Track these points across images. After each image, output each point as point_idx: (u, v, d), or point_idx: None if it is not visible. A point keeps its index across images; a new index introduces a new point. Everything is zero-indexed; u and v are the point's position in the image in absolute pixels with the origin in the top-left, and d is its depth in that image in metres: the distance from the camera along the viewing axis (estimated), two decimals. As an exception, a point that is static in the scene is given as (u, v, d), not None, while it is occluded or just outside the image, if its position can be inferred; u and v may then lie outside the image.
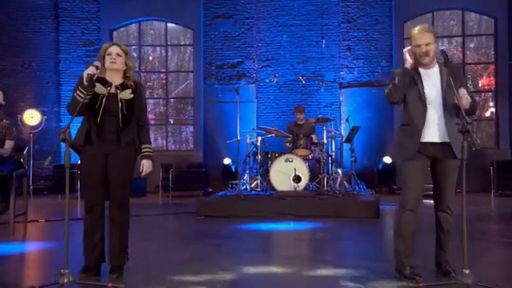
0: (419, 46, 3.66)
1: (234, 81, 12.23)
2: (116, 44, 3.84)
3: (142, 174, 3.86)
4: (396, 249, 3.79)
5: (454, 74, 3.68)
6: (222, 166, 11.72)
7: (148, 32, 13.10)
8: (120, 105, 3.71)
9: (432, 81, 3.71)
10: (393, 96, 3.75)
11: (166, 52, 12.98)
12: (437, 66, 3.77)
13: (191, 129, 12.90)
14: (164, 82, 13.05)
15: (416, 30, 3.75)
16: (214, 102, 12.40)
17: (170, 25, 12.90)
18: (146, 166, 3.84)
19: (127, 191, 3.80)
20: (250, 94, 12.07)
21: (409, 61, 3.71)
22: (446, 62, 3.57)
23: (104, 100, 3.68)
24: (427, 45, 3.65)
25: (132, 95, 3.77)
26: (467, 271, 3.19)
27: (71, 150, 3.22)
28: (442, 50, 3.59)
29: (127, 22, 12.86)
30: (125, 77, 3.82)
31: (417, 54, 3.70)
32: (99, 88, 3.70)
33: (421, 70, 3.76)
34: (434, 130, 3.72)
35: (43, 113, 12.04)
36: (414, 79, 3.73)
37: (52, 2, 12.58)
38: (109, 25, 12.64)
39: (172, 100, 13.14)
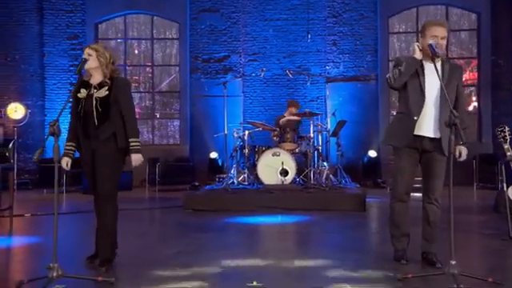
0: (436, 36, 3.73)
1: (221, 75, 12.21)
2: (87, 46, 3.99)
3: (133, 166, 3.94)
4: (390, 234, 4.14)
5: (454, 73, 3.78)
6: (208, 160, 11.73)
7: (134, 25, 13.00)
8: (94, 102, 3.83)
9: (434, 75, 3.70)
10: (395, 82, 3.82)
11: (152, 45, 12.90)
12: (440, 62, 3.83)
13: (177, 123, 12.87)
14: (150, 75, 12.98)
15: (435, 21, 3.86)
16: (200, 96, 12.37)
17: (155, 18, 12.82)
18: (133, 159, 3.91)
19: (110, 185, 3.88)
20: (236, 88, 12.07)
21: (418, 52, 3.76)
22: (433, 57, 3.63)
23: (83, 102, 3.86)
24: (442, 38, 3.74)
25: (107, 92, 3.87)
26: (454, 262, 3.26)
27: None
28: (430, 45, 3.65)
29: (112, 16, 12.73)
30: (103, 74, 3.92)
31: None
32: (82, 92, 3.89)
33: (425, 63, 3.82)
34: (428, 124, 3.81)
35: (27, 106, 11.90)
36: (416, 70, 3.79)
37: (36, -5, 12.41)
38: (94, 18, 12.51)
39: (158, 94, 13.08)
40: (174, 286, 3.48)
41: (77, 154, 3.96)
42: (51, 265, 3.27)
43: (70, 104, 3.95)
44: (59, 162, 3.48)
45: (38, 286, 3.33)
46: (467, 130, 3.92)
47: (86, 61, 3.76)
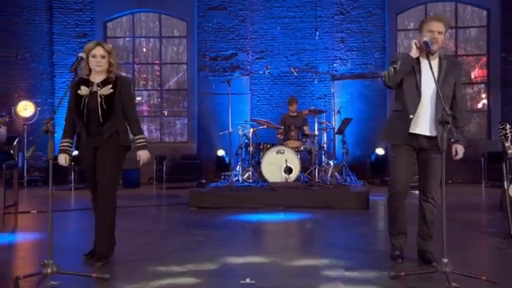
0: (432, 31, 3.72)
1: (228, 73, 12.22)
2: (100, 44, 3.95)
3: (140, 164, 4.00)
4: (389, 232, 4.13)
5: (451, 70, 3.75)
6: (215, 158, 11.76)
7: (142, 24, 13.06)
8: (99, 100, 3.86)
9: (430, 73, 3.66)
10: (390, 80, 3.81)
11: (160, 43, 12.96)
12: (437, 59, 3.81)
13: (185, 120, 12.91)
14: (158, 73, 13.04)
15: (432, 16, 3.90)
16: (207, 94, 12.40)
17: (163, 16, 12.87)
18: (141, 156, 3.97)
19: (111, 180, 3.92)
20: (243, 86, 12.08)
21: (414, 50, 3.74)
22: (427, 53, 3.60)
23: (86, 100, 3.87)
24: (439, 33, 3.71)
25: (112, 90, 3.90)
26: (446, 260, 3.25)
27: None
28: (425, 42, 3.62)
29: (121, 14, 12.80)
30: (108, 72, 3.95)
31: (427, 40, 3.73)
32: (83, 90, 3.89)
33: (422, 60, 3.79)
34: (424, 122, 3.79)
35: (37, 104, 12.04)
36: (413, 68, 3.77)
37: (45, -7, 12.53)
38: (102, 16, 12.59)
39: (166, 92, 13.14)
40: (169, 282, 3.51)
41: (75, 152, 4.01)
42: (46, 261, 3.32)
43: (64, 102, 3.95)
44: (55, 159, 3.52)
45: (34, 282, 3.38)
46: (466, 127, 3.89)
47: (82, 59, 3.76)
